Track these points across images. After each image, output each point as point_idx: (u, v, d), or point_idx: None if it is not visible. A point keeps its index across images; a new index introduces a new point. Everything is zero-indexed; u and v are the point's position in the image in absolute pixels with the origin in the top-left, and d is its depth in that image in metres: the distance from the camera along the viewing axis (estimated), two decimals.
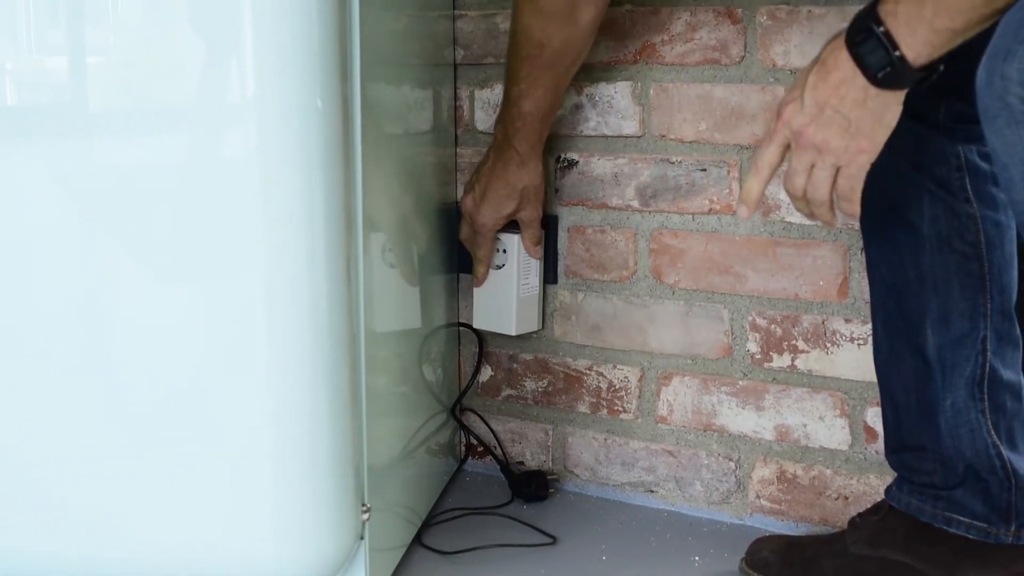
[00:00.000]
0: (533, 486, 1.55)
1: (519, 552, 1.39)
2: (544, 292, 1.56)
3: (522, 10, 1.32)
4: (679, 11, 1.43)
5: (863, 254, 1.33)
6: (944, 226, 1.14)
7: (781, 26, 1.38)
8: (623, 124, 1.48)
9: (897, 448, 1.23)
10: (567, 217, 1.53)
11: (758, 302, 1.44)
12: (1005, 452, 1.15)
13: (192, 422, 1.09)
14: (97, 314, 1.10)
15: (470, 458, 1.65)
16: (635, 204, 1.49)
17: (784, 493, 1.45)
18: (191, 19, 1.05)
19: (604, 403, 1.55)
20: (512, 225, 1.53)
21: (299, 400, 1.09)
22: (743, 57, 1.40)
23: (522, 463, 1.62)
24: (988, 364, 1.14)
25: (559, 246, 1.55)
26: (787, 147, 1.03)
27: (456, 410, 1.61)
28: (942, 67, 0.95)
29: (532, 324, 1.55)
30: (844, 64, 0.97)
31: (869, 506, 1.28)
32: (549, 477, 1.57)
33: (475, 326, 1.57)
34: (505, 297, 1.52)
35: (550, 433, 1.59)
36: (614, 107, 1.48)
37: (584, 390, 1.56)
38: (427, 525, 1.45)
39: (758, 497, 1.47)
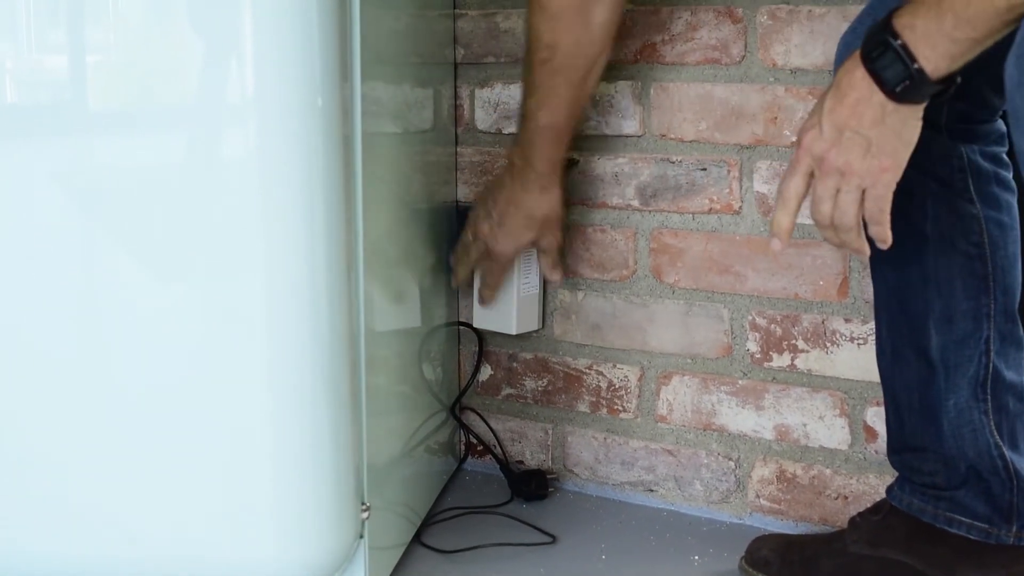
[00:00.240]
0: (533, 485, 1.54)
1: (518, 551, 1.39)
2: (544, 291, 1.56)
3: (532, 11, 1.30)
4: (679, 10, 1.43)
5: None
6: (947, 227, 1.14)
7: (781, 25, 1.37)
8: (623, 123, 1.48)
9: (899, 448, 1.23)
10: (566, 216, 1.53)
11: (758, 301, 1.44)
12: (1007, 453, 1.15)
13: (192, 420, 1.09)
14: (97, 313, 1.10)
15: (470, 457, 1.65)
16: (635, 203, 1.49)
17: (784, 492, 1.45)
18: (191, 18, 1.05)
19: (604, 402, 1.55)
20: None
21: (299, 399, 1.09)
22: (743, 57, 1.40)
23: (522, 462, 1.61)
24: (991, 365, 1.14)
25: None
26: (811, 175, 1.02)
27: (456, 409, 1.61)
28: (959, 79, 0.94)
29: (532, 323, 1.55)
30: (860, 83, 0.96)
31: (869, 506, 1.28)
32: (549, 476, 1.57)
33: (475, 325, 1.57)
34: (505, 296, 1.52)
35: (550, 432, 1.59)
36: (614, 106, 1.48)
37: (584, 389, 1.56)
38: (426, 524, 1.45)
39: (758, 496, 1.47)
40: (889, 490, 1.24)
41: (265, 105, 1.03)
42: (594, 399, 1.56)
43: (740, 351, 1.46)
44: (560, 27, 1.30)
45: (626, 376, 1.53)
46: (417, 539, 1.40)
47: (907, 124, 0.97)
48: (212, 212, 1.06)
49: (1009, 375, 1.16)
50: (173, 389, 1.09)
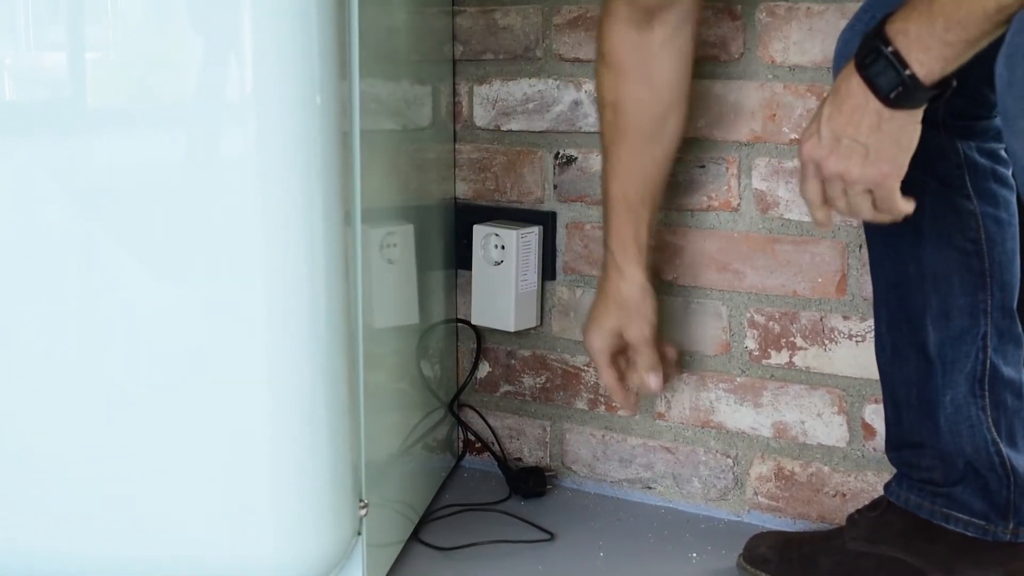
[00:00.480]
0: (531, 482, 1.54)
1: (516, 548, 1.39)
2: (542, 288, 1.56)
3: (596, 67, 1.26)
4: None
5: (862, 251, 1.33)
6: (944, 223, 1.14)
7: (780, 23, 1.37)
8: None
9: (897, 444, 1.23)
10: (565, 213, 1.53)
11: (756, 299, 1.44)
12: (1004, 449, 1.15)
13: (190, 418, 1.09)
14: (95, 310, 1.10)
15: (468, 454, 1.65)
16: None
17: (782, 490, 1.46)
18: (190, 15, 1.05)
19: (602, 399, 1.55)
20: (509, 220, 1.53)
21: (297, 396, 1.09)
22: (742, 54, 1.40)
23: (520, 459, 1.62)
24: (989, 361, 1.14)
25: (557, 242, 1.54)
26: (820, 178, 1.03)
27: (454, 406, 1.61)
28: (955, 82, 0.94)
29: (530, 320, 1.55)
30: (856, 90, 0.97)
31: (867, 503, 1.28)
32: (547, 473, 1.57)
33: (473, 322, 1.57)
34: (503, 293, 1.52)
35: (548, 429, 1.59)
36: None
37: (582, 386, 1.56)
38: (424, 521, 1.45)
39: (756, 494, 1.47)
40: (887, 487, 1.24)
41: (264, 103, 1.03)
42: (592, 396, 1.56)
43: (738, 348, 1.46)
44: (623, 85, 1.25)
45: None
46: (415, 536, 1.40)
47: (905, 130, 0.97)
48: (211, 209, 1.06)
49: (1007, 371, 1.16)
50: (171, 387, 1.09)
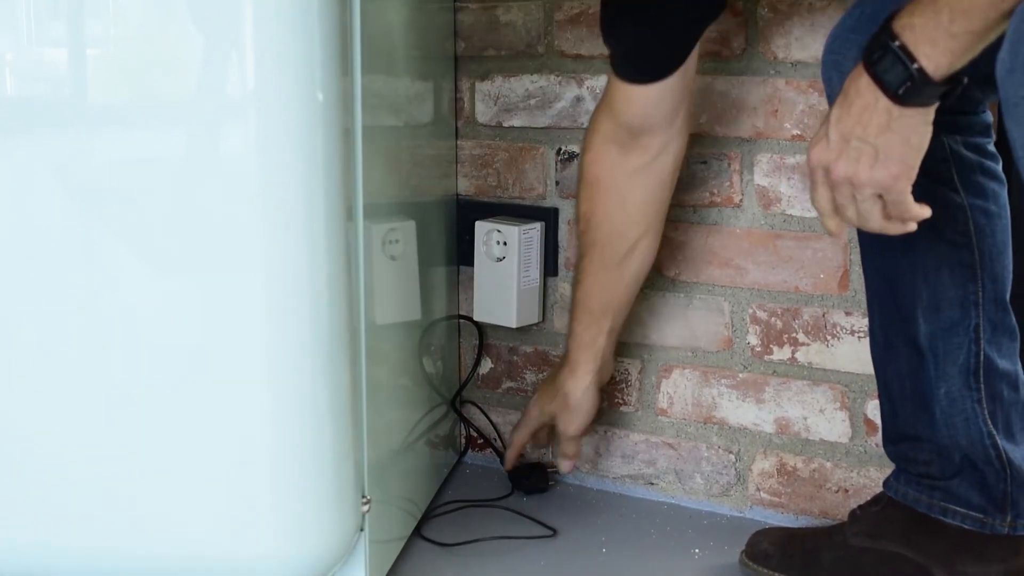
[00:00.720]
0: (533, 478, 1.55)
1: (519, 544, 1.39)
2: (544, 284, 1.56)
3: (577, 175, 1.29)
4: None
5: None
6: (933, 216, 1.13)
7: (782, 18, 1.37)
8: None
9: (894, 438, 1.23)
10: (567, 209, 1.53)
11: (758, 295, 1.44)
12: (1001, 442, 1.15)
13: (192, 415, 1.09)
14: (96, 307, 1.10)
15: (470, 450, 1.66)
16: None
17: (784, 486, 1.46)
18: (191, 12, 1.05)
19: (604, 395, 1.55)
20: (511, 216, 1.54)
21: (299, 392, 1.09)
22: (744, 50, 1.40)
23: (522, 455, 1.61)
24: (982, 353, 1.14)
25: (559, 238, 1.54)
26: (829, 184, 1.02)
27: (456, 402, 1.61)
28: (966, 79, 0.94)
29: (532, 316, 1.55)
30: (865, 90, 0.96)
31: (869, 498, 1.28)
32: (549, 469, 1.57)
33: (475, 318, 1.57)
34: (506, 289, 1.52)
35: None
36: None
37: None
38: (427, 517, 1.45)
39: (758, 490, 1.47)
40: (886, 482, 1.24)
41: (265, 99, 1.03)
42: None
43: (741, 344, 1.46)
44: (597, 198, 1.29)
45: (626, 369, 1.53)
46: (417, 532, 1.41)
47: (915, 130, 0.97)
48: (212, 206, 1.06)
49: (1002, 364, 1.15)
50: (172, 383, 1.09)
